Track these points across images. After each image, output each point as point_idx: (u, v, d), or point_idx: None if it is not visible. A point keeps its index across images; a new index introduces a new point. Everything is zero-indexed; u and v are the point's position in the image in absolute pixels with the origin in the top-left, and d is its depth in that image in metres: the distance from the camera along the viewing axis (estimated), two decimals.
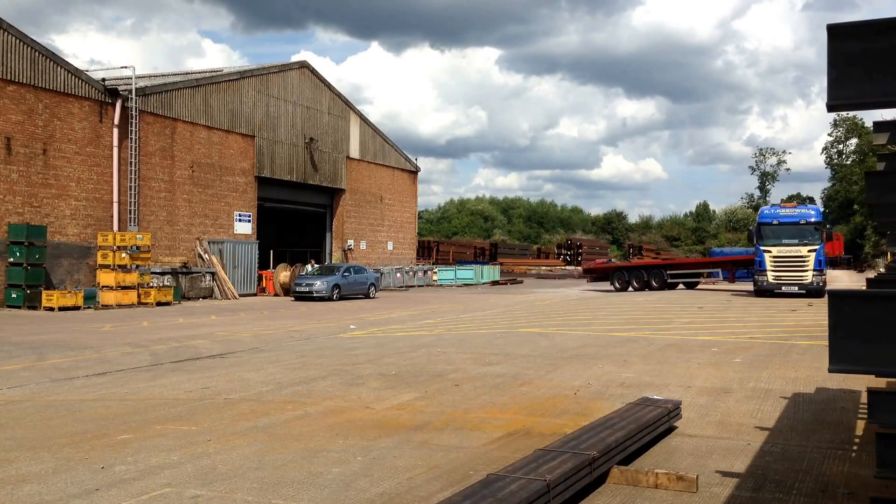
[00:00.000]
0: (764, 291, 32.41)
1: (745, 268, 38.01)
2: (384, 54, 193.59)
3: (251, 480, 6.05)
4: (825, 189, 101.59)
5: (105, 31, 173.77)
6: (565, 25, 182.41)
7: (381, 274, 41.48)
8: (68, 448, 7.08)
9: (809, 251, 31.37)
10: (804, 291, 31.56)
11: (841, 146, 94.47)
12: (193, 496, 5.67)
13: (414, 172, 52.83)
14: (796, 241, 31.70)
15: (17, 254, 26.15)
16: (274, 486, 5.90)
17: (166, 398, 9.61)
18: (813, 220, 31.92)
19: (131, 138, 30.91)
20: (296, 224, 48.44)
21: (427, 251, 61.35)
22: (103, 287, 27.88)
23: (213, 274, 33.80)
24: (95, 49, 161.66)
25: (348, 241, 45.32)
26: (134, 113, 30.89)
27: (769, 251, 31.90)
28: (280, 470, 6.33)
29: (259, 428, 7.89)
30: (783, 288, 31.72)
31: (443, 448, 7.04)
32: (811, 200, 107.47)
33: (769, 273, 31.98)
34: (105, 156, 30.18)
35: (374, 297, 35.19)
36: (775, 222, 32.27)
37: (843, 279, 50.54)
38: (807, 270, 31.43)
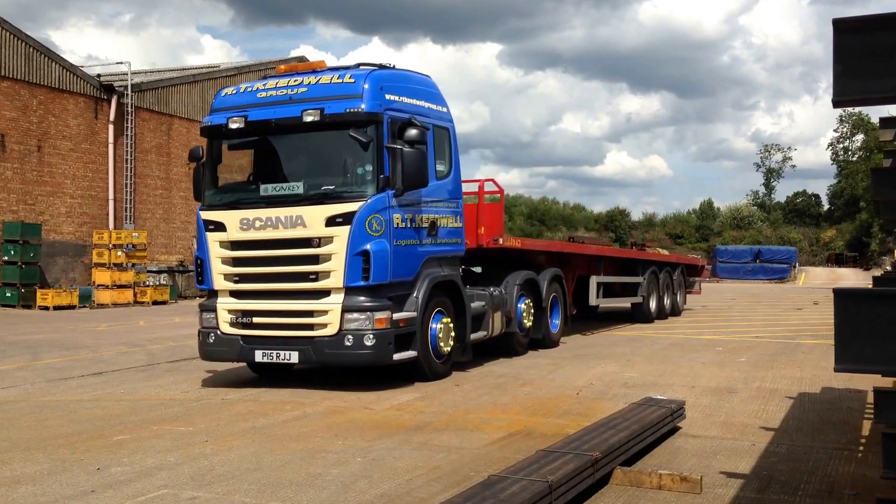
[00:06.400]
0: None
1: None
2: (385, 49, 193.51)
3: (249, 482, 5.97)
4: (831, 186, 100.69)
5: (103, 26, 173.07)
6: (570, 20, 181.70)
7: None
8: (64, 449, 6.98)
9: (331, 219, 9.13)
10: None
11: (847, 142, 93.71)
12: (190, 498, 5.58)
13: None
14: (288, 187, 9.69)
15: (12, 252, 25.99)
16: (272, 488, 5.81)
17: (163, 398, 9.51)
18: (362, 108, 9.14)
19: (127, 135, 30.76)
20: None
21: None
22: (99, 286, 27.74)
23: None
24: (93, 45, 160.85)
25: None
26: (130, 109, 30.73)
27: (220, 227, 9.86)
28: (278, 471, 6.25)
29: (257, 429, 7.80)
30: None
31: (443, 449, 6.96)
32: (811, 196, 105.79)
33: (221, 307, 9.88)
34: (100, 153, 30.03)
35: None
36: (237, 124, 9.89)
37: (850, 277, 50.50)
38: (317, 284, 9.39)
